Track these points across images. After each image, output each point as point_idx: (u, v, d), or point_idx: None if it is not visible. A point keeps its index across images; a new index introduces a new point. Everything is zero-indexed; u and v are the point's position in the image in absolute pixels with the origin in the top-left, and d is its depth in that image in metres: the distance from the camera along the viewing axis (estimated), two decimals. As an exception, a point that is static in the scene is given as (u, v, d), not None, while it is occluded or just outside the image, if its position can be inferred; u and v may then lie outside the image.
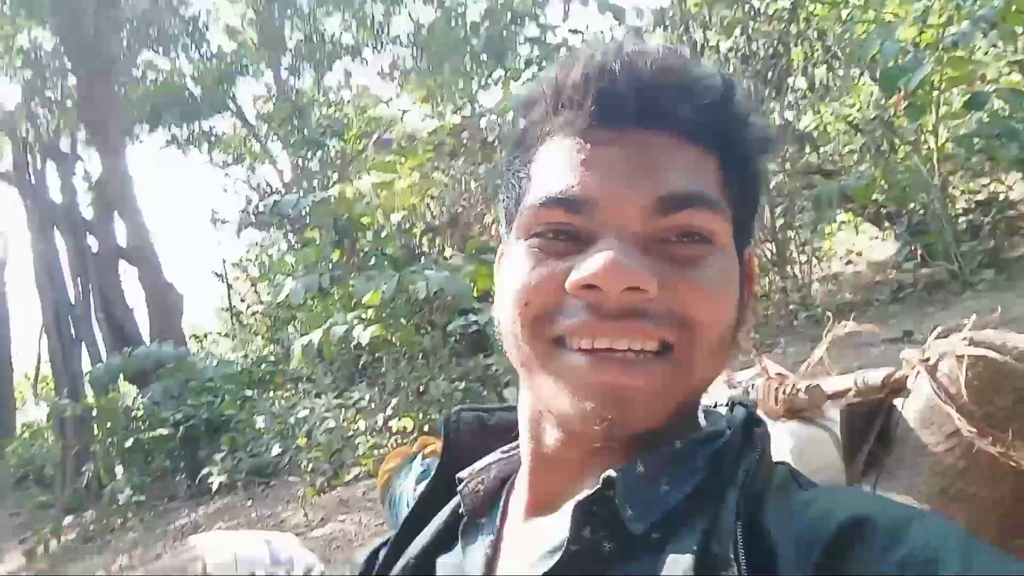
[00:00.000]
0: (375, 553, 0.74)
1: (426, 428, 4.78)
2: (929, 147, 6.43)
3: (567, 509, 0.56)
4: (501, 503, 0.67)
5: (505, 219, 0.66)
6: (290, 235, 8.31)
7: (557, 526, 0.57)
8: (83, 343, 10.66)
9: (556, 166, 0.58)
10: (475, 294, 5.41)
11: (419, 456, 3.15)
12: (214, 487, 6.08)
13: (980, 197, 6.73)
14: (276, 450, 6.29)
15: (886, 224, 8.23)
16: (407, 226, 6.94)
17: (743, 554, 0.49)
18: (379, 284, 5.78)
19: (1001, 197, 6.84)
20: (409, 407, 5.36)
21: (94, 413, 7.74)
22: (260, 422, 6.65)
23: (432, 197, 7.18)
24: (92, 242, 11.11)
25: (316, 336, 5.70)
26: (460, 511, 0.68)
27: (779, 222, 6.67)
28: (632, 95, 0.56)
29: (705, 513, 0.52)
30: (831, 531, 0.48)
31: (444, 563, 0.66)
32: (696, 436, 0.59)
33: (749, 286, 0.64)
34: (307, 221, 6.60)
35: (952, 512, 0.84)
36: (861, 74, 8.16)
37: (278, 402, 6.73)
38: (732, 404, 0.65)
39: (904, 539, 0.46)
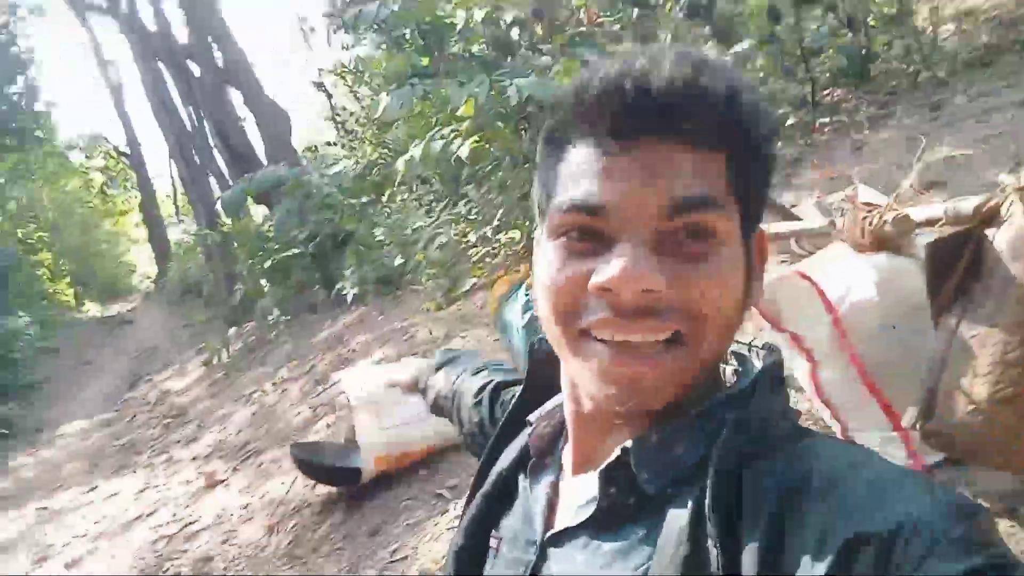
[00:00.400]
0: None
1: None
2: None
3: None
4: (560, 448, 0.80)
5: (538, 211, 0.73)
6: (381, 44, 8.14)
7: (591, 483, 0.70)
8: (208, 171, 11.25)
9: (578, 173, 0.65)
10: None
11: (523, 286, 3.33)
12: (348, 299, 6.61)
13: None
14: (398, 260, 6.68)
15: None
16: (491, 21, 6.62)
17: (712, 509, 0.58)
18: (471, 90, 5.71)
19: None
20: (515, 215, 5.48)
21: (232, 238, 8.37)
22: (379, 234, 7.02)
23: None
24: (194, 69, 11.32)
25: (417, 152, 5.80)
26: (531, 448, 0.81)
27: None
28: (640, 110, 0.61)
29: (705, 473, 0.61)
30: (786, 486, 0.57)
31: (521, 487, 0.82)
32: (713, 401, 0.67)
33: (759, 264, 0.71)
34: (392, 29, 6.43)
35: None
36: None
37: (392, 214, 7.02)
38: (766, 347, 0.72)
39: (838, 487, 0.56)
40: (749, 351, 0.73)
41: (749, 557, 0.56)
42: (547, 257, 0.67)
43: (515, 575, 0.75)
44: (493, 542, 0.81)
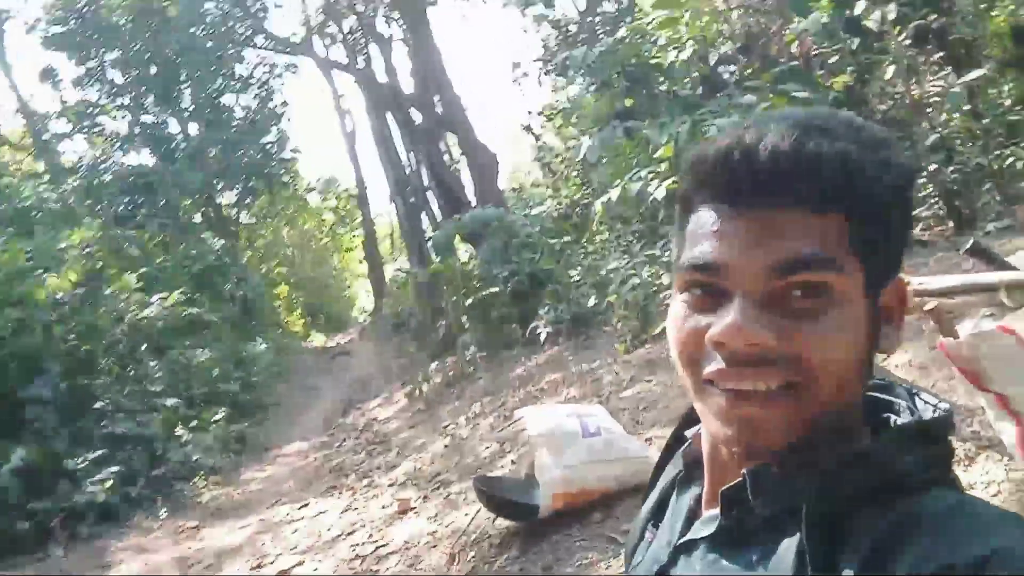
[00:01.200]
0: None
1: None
2: None
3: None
4: (702, 466, 0.85)
5: (675, 270, 0.78)
6: (589, 86, 8.33)
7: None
8: (422, 212, 12.01)
9: (699, 235, 0.70)
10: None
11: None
12: (542, 337, 6.71)
13: None
14: (592, 301, 6.69)
15: None
16: (698, 59, 6.54)
17: (807, 542, 0.63)
18: (671, 130, 5.65)
19: None
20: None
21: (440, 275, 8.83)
22: (575, 274, 7.07)
23: (723, 22, 6.63)
24: (415, 116, 12.20)
25: (615, 194, 5.82)
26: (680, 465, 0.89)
27: None
28: (749, 178, 0.66)
29: (821, 508, 0.65)
30: (890, 524, 0.61)
31: (672, 502, 0.89)
32: (835, 442, 0.68)
33: (896, 315, 0.72)
34: (599, 72, 6.56)
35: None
36: None
37: (589, 255, 7.06)
38: (942, 407, 0.71)
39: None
40: (925, 406, 0.73)
41: None
42: (674, 310, 0.72)
43: (648, 574, 0.83)
44: (649, 535, 0.90)
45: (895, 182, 0.68)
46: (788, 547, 0.66)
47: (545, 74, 12.96)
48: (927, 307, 1.95)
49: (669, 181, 5.41)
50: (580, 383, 4.86)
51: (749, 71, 6.23)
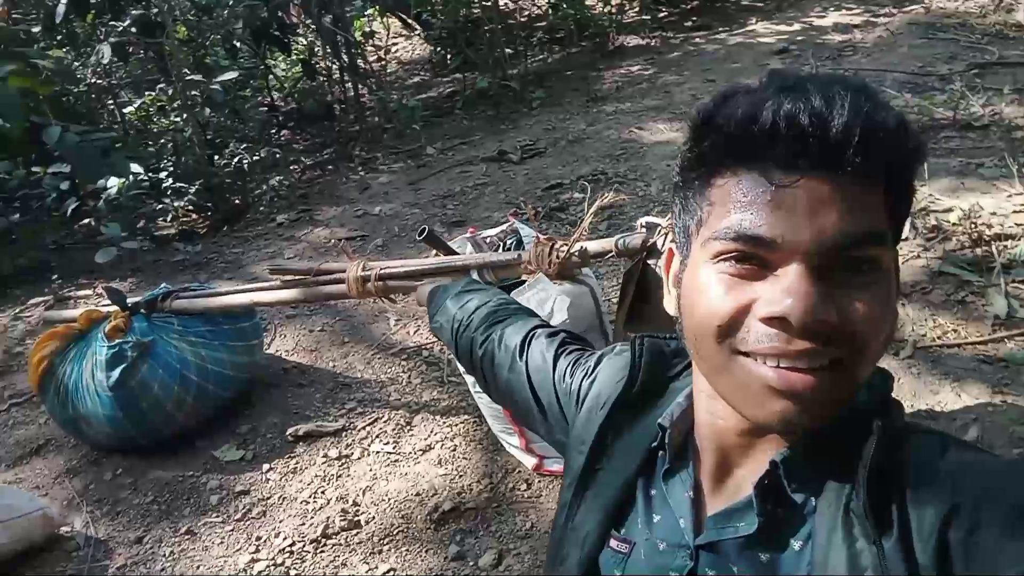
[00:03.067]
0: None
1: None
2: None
3: (744, 479, 0.77)
4: (690, 453, 0.85)
5: (682, 232, 0.77)
6: None
7: (737, 488, 0.78)
8: None
9: (744, 201, 0.66)
10: None
11: (97, 336, 2.66)
12: None
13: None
14: None
15: (414, 24, 8.64)
16: None
17: (866, 509, 0.66)
18: None
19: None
20: None
21: None
22: None
23: None
24: None
25: None
26: (658, 452, 0.87)
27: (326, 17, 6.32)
28: (819, 145, 0.63)
29: (846, 479, 0.69)
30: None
31: (646, 492, 0.87)
32: (846, 414, 0.71)
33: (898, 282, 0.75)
34: None
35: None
36: None
37: None
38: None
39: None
40: None
41: (892, 549, 0.64)
42: (707, 281, 0.69)
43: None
44: (619, 545, 0.86)
45: (924, 154, 0.69)
46: (826, 525, 0.68)
47: None
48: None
49: None
50: None
51: None
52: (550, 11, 7.92)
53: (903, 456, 0.68)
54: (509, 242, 2.59)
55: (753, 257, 0.66)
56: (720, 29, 7.60)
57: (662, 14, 8.39)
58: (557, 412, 1.08)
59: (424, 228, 2.45)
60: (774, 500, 0.72)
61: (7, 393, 3.21)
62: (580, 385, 1.05)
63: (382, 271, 2.43)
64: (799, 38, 6.58)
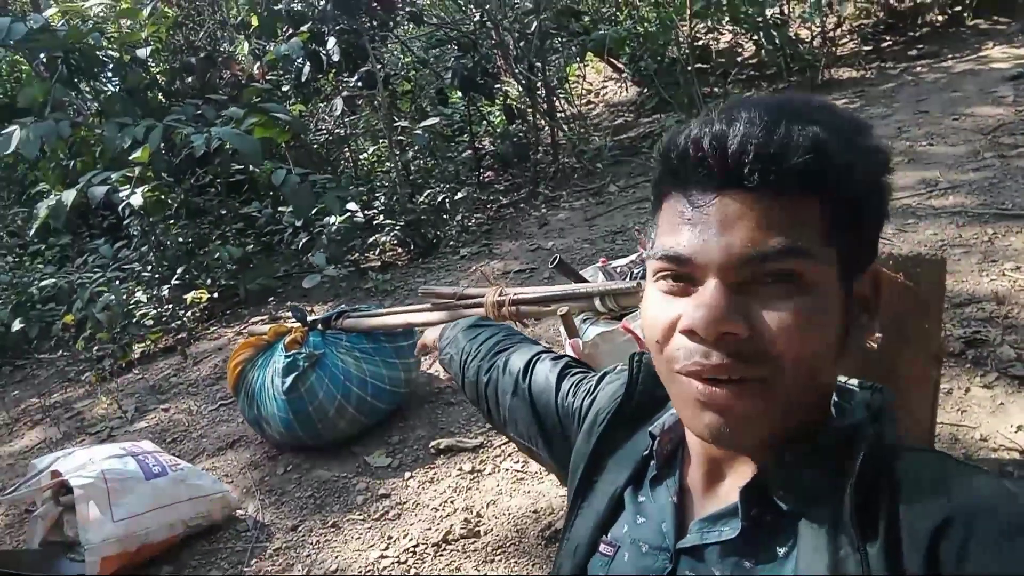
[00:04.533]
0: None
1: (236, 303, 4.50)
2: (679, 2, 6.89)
3: (732, 486, 0.76)
4: (679, 462, 0.85)
5: (648, 258, 0.79)
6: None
7: (726, 495, 0.77)
8: None
9: (669, 223, 0.71)
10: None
11: (279, 347, 3.06)
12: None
13: (720, 47, 7.49)
14: (16, 325, 5.51)
15: (623, 68, 8.83)
16: (157, 63, 6.05)
17: (852, 519, 0.64)
18: (134, 133, 5.10)
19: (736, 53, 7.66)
20: (195, 275, 4.98)
21: None
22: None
23: (180, 26, 6.27)
24: None
25: (69, 196, 4.96)
26: (650, 461, 0.88)
27: (535, 65, 6.70)
28: (719, 165, 0.65)
29: (836, 490, 0.67)
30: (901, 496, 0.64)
31: (634, 498, 0.88)
32: (834, 427, 0.73)
33: (876, 299, 0.74)
34: (29, 53, 5.47)
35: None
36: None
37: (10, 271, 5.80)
38: (871, 388, 0.79)
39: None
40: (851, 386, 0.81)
41: (876, 556, 0.63)
42: (649, 297, 0.74)
43: None
44: (606, 548, 0.87)
45: (870, 168, 0.68)
46: (812, 533, 0.67)
47: None
48: (560, 312, 2.32)
49: (147, 188, 4.90)
50: (53, 422, 4.00)
51: (220, 82, 6.05)
52: (761, 48, 7.76)
53: (896, 470, 0.68)
54: (637, 271, 2.62)
55: (680, 275, 0.70)
56: (948, 56, 6.99)
57: (884, 44, 7.89)
58: (559, 433, 1.11)
59: (556, 257, 2.56)
60: (759, 507, 0.72)
61: (219, 394, 3.76)
62: (582, 404, 1.08)
63: (516, 296, 2.57)
64: (1042, 61, 5.88)
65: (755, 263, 0.65)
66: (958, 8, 7.65)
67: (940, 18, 7.80)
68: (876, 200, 0.70)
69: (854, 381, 0.81)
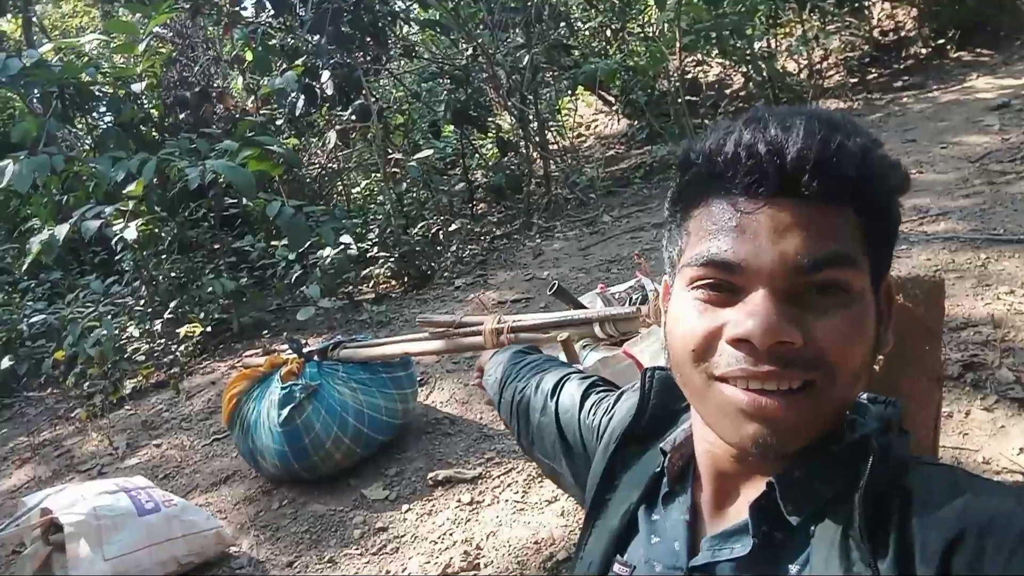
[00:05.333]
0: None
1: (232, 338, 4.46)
2: (667, 33, 6.99)
3: (744, 503, 0.75)
4: (690, 478, 0.85)
5: (669, 263, 0.79)
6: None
7: (737, 513, 0.76)
8: None
9: (712, 229, 0.69)
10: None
11: (275, 379, 3.03)
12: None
13: (709, 79, 7.60)
14: (5, 363, 5.44)
15: (614, 100, 8.94)
16: (151, 98, 6.07)
17: (862, 532, 0.64)
18: (128, 167, 5.10)
19: (726, 84, 7.77)
20: (188, 309, 4.95)
21: None
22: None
23: (175, 61, 6.32)
24: None
25: (62, 231, 4.93)
26: (662, 478, 0.87)
27: (527, 98, 6.73)
28: (776, 172, 0.65)
29: (846, 504, 0.67)
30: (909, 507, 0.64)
31: (648, 517, 0.87)
32: (848, 440, 0.73)
33: (888, 311, 0.75)
34: (23, 88, 5.48)
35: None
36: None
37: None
38: (884, 402, 0.79)
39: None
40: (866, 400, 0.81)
41: (888, 569, 0.62)
42: (683, 307, 0.72)
43: None
44: (621, 569, 0.86)
45: (897, 181, 0.70)
46: (823, 546, 0.67)
47: None
48: (560, 338, 2.31)
49: (140, 221, 4.88)
50: (42, 460, 3.94)
51: (214, 117, 6.07)
52: (749, 80, 7.87)
53: (908, 482, 0.67)
54: (635, 297, 2.61)
55: (723, 283, 0.68)
56: (933, 87, 7.10)
57: (870, 75, 8.01)
58: (581, 451, 1.11)
59: (554, 283, 2.56)
60: (771, 523, 0.71)
61: (213, 429, 3.71)
62: (601, 421, 1.08)
63: (514, 324, 2.56)
64: (1025, 91, 5.98)
65: (807, 272, 0.65)
66: (941, 41, 7.80)
67: (924, 50, 7.94)
68: (897, 212, 0.72)
69: (865, 396, 0.81)
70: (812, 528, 0.69)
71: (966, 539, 0.60)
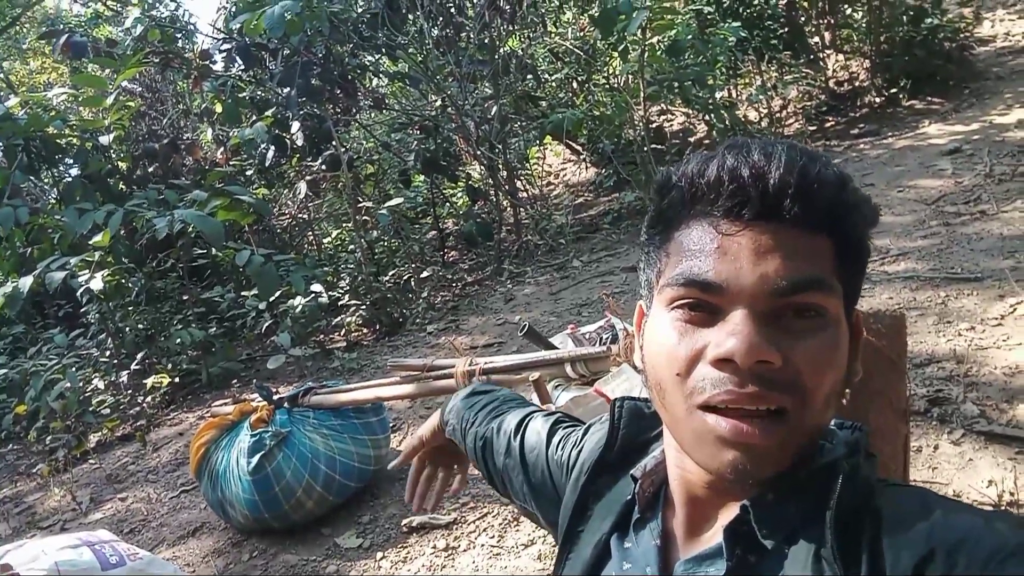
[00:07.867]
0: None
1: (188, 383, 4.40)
2: (632, 83, 7.16)
3: (717, 527, 0.75)
4: (661, 504, 0.85)
5: (646, 286, 0.80)
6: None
7: (711, 537, 0.77)
8: None
9: (694, 250, 0.71)
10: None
11: (244, 427, 2.99)
12: None
13: (673, 128, 7.77)
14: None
15: (581, 149, 9.10)
16: (120, 151, 6.06)
17: (834, 553, 0.65)
18: (94, 218, 5.06)
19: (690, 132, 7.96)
20: (155, 360, 4.88)
21: None
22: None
23: (144, 114, 6.33)
24: None
25: (26, 283, 4.86)
26: (634, 506, 0.87)
27: (496, 148, 6.84)
28: (758, 195, 0.67)
29: (817, 526, 0.68)
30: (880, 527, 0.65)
31: (620, 544, 0.86)
32: (818, 464, 0.73)
33: (856, 339, 0.76)
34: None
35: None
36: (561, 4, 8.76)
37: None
38: (851, 427, 0.80)
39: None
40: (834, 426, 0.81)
41: None
42: (663, 328, 0.73)
43: None
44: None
45: (870, 213, 0.73)
46: (802, 569, 0.67)
47: None
48: (532, 378, 2.32)
49: (107, 272, 4.83)
50: (3, 517, 3.80)
51: (183, 168, 6.07)
52: (712, 128, 8.07)
53: (878, 503, 0.68)
54: (605, 337, 2.64)
55: (703, 303, 0.69)
56: (889, 134, 7.34)
57: (828, 123, 8.27)
58: (550, 488, 1.10)
59: (525, 325, 2.57)
60: (744, 545, 0.71)
61: (180, 481, 3.63)
62: (570, 455, 1.08)
63: (486, 365, 2.57)
64: (975, 137, 6.21)
65: (786, 294, 0.66)
66: (894, 90, 8.09)
67: (878, 99, 8.22)
68: (867, 244, 0.74)
69: (833, 422, 0.81)
70: (785, 550, 0.69)
71: (936, 558, 0.60)
